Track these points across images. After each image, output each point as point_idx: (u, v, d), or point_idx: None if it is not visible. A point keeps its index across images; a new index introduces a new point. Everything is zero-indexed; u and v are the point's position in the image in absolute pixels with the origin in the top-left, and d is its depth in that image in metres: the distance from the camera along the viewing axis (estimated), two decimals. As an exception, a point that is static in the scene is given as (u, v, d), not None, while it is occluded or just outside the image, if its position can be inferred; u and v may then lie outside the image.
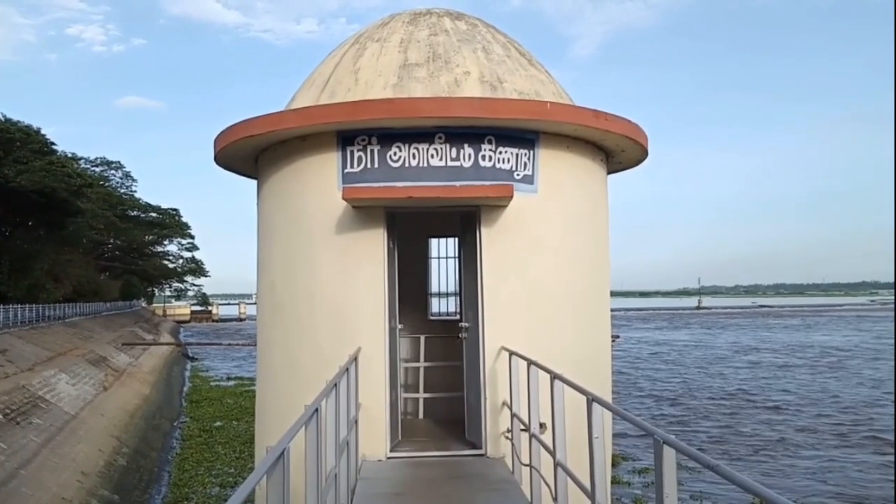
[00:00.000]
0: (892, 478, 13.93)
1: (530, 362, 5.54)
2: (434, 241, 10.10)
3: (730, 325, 75.23)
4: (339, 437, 4.58)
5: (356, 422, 5.99)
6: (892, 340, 49.84)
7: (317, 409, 3.32)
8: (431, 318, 9.89)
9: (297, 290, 7.26)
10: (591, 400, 3.56)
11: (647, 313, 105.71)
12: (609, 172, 8.81)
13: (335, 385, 4.24)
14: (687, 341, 53.11)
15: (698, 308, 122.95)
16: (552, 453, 4.50)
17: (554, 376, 4.56)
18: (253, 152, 8.10)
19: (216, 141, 8.06)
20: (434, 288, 10.09)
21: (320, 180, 7.12)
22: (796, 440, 18.41)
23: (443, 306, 10.19)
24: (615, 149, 8.10)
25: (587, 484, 3.68)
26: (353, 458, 5.79)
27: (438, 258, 10.08)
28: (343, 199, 6.59)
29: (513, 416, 6.24)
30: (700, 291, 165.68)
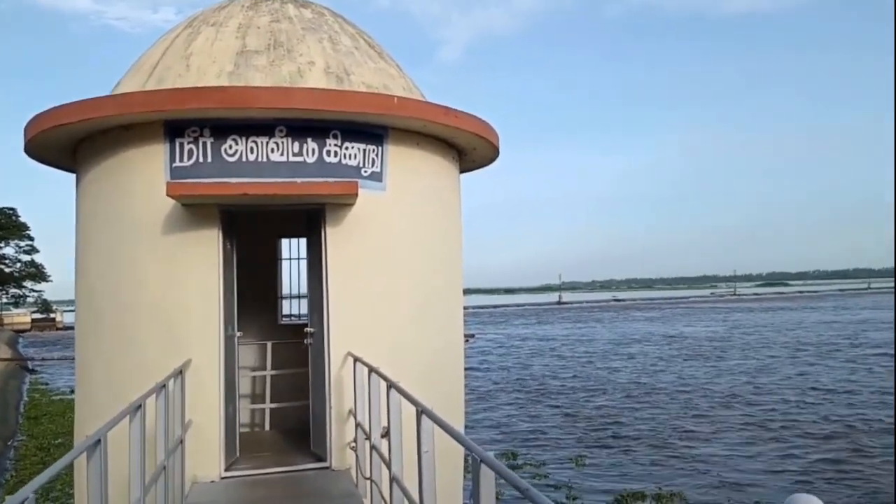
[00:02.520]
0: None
1: (371, 369, 5.24)
2: (286, 242, 9.58)
3: (600, 318, 78.68)
4: (152, 464, 4.06)
5: (182, 441, 5.43)
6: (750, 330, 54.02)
7: (99, 441, 2.84)
8: (282, 322, 9.37)
9: (118, 297, 6.52)
10: (421, 412, 3.32)
11: (514, 309, 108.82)
12: (462, 171, 8.72)
13: (139, 407, 3.72)
14: (567, 335, 54.53)
15: (559, 303, 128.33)
16: (388, 466, 4.23)
17: (390, 384, 4.29)
18: (70, 143, 7.23)
19: (25, 130, 7.12)
20: (286, 290, 9.58)
21: (146, 175, 6.44)
22: (701, 430, 19.04)
23: (296, 309, 9.71)
24: (467, 147, 7.99)
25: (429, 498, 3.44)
26: (177, 483, 5.24)
27: (290, 259, 9.57)
28: (168, 195, 5.97)
29: (357, 425, 5.92)
30: (561, 287, 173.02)
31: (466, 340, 9.88)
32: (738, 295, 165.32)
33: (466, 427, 20.06)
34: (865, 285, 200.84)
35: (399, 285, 6.97)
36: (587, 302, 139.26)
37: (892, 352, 32.55)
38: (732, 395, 24.19)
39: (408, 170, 7.12)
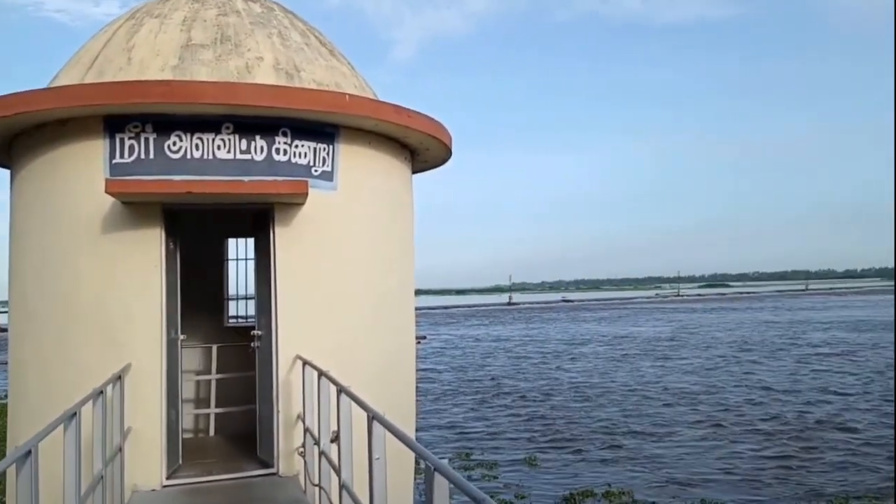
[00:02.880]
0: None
1: (320, 373, 5.12)
2: (233, 242, 9.33)
3: (551, 318, 79.38)
4: (89, 473, 3.87)
5: (121, 449, 5.21)
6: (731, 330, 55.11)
7: (30, 452, 2.67)
8: (228, 325, 9.12)
9: (54, 299, 6.22)
10: (372, 417, 3.24)
11: (466, 310, 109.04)
12: (415, 171, 8.65)
13: (74, 415, 3.53)
14: (520, 336, 54.57)
15: (509, 304, 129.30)
16: (338, 472, 4.12)
17: (340, 389, 4.18)
18: (4, 138, 6.88)
19: (-47, 123, 6.74)
20: (233, 292, 9.33)
21: (84, 172, 6.16)
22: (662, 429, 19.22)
23: (243, 311, 9.47)
24: (419, 147, 7.92)
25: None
26: (116, 492, 5.02)
27: (237, 260, 9.32)
28: (107, 192, 5.72)
29: (305, 430, 5.79)
30: (511, 288, 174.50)
31: (418, 342, 9.78)
32: (682, 296, 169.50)
33: (420, 429, 20.03)
34: (803, 287, 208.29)
35: (350, 286, 6.85)
36: (537, 303, 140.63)
37: (892, 353, 32.93)
38: (682, 394, 24.63)
39: (359, 169, 7.01)
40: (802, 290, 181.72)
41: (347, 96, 6.58)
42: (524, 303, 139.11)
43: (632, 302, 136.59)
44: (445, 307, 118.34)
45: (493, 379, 29.75)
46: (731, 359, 34.99)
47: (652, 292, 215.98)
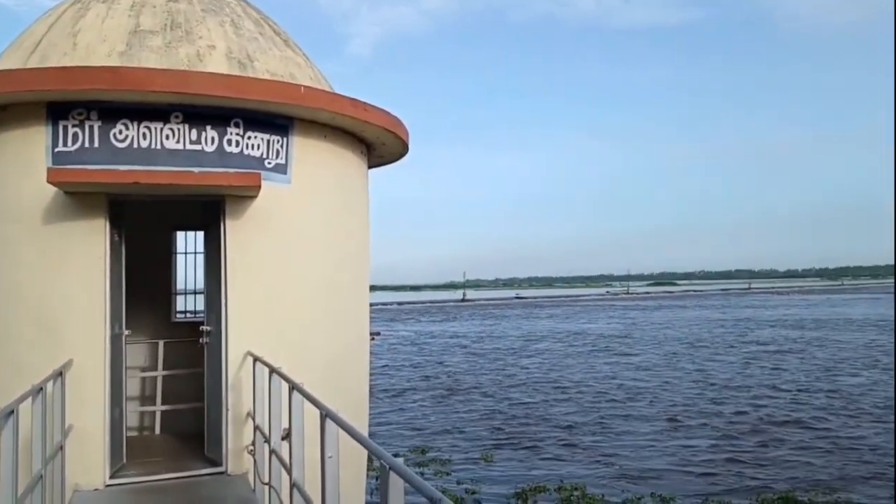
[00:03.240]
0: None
1: (272, 369, 5.02)
2: (181, 235, 9.09)
3: (507, 315, 79.75)
4: (28, 473, 3.71)
5: (62, 448, 5.02)
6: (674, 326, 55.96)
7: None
8: (176, 320, 8.89)
9: (-9, 291, 5.95)
10: (325, 415, 3.18)
11: (421, 306, 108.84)
12: (371, 166, 8.57)
13: (10, 413, 3.38)
14: (478, 332, 54.41)
15: (463, 300, 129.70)
16: (289, 471, 4.05)
17: (292, 386, 4.10)
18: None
19: None
20: (181, 286, 9.09)
21: (24, 160, 5.89)
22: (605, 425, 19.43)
23: (192, 305, 9.23)
24: (376, 141, 7.85)
25: None
26: (56, 492, 4.83)
27: (186, 253, 9.08)
28: (49, 182, 5.49)
29: (255, 428, 5.67)
30: (465, 284, 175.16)
31: (372, 338, 9.70)
32: (631, 293, 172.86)
33: (379, 425, 19.88)
34: (747, 285, 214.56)
35: (303, 282, 6.75)
36: (491, 299, 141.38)
37: (892, 351, 33.51)
38: (637, 390, 24.97)
39: (314, 163, 6.90)
40: (746, 289, 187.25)
41: (303, 88, 6.46)
42: (478, 299, 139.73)
43: (583, 299, 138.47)
44: (400, 303, 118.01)
45: (449, 375, 29.77)
46: (683, 355, 35.72)
47: (602, 290, 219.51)
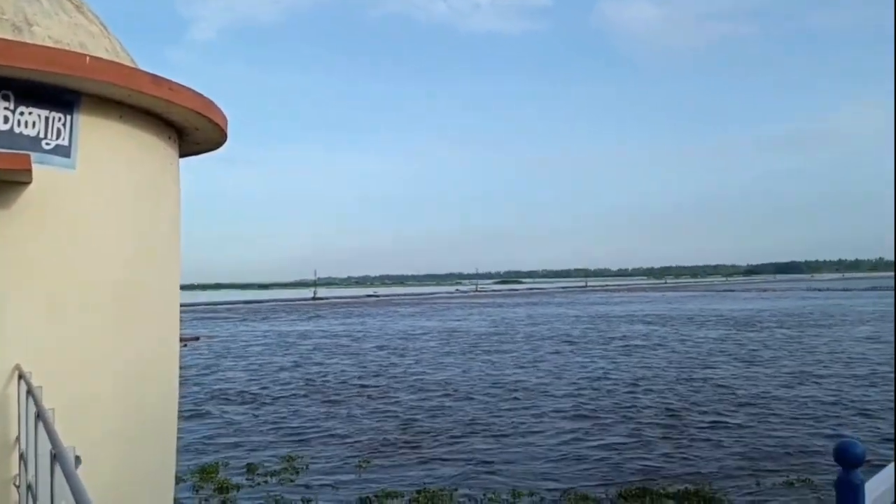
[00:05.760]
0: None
1: (29, 389, 4.20)
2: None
3: (368, 313, 78.13)
4: None
5: None
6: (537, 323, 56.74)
7: None
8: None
9: None
10: (54, 455, 2.54)
11: (273, 305, 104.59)
12: (185, 154, 7.74)
13: None
14: (344, 331, 52.40)
15: (315, 298, 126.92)
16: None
17: (37, 414, 3.37)
18: None
19: None
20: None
21: None
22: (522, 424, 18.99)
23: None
24: (187, 125, 7.04)
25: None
26: None
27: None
28: None
29: (20, 456, 4.78)
30: (316, 283, 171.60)
31: (184, 344, 8.81)
32: (480, 291, 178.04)
33: (239, 434, 18.33)
34: (584, 283, 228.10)
35: (91, 282, 5.86)
36: (345, 297, 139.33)
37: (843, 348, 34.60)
38: (515, 388, 24.69)
39: (107, 146, 6.01)
40: (583, 287, 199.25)
41: (88, 58, 5.57)
42: (331, 297, 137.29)
43: (436, 296, 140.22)
44: (247, 301, 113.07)
45: (321, 377, 28.28)
46: (558, 352, 36.09)
47: (453, 287, 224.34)
